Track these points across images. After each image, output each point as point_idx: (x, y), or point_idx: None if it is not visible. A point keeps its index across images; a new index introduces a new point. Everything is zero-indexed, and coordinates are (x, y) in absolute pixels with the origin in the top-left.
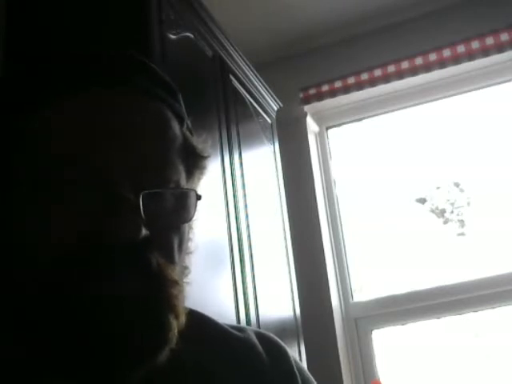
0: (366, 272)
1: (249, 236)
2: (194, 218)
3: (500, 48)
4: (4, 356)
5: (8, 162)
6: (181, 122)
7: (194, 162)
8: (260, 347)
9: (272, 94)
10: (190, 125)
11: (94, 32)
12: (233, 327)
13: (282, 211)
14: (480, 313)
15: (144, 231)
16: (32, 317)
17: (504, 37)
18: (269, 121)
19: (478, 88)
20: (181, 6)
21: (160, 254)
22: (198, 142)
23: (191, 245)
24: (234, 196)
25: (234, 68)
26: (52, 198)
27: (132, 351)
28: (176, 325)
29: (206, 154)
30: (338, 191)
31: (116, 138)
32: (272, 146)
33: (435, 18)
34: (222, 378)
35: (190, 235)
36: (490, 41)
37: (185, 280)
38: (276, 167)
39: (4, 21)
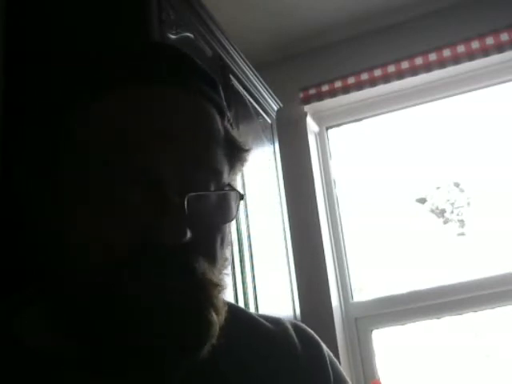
0: (366, 272)
1: (249, 236)
2: (235, 218)
3: (500, 48)
4: (54, 350)
5: (57, 160)
6: (222, 115)
7: (236, 155)
8: (295, 338)
9: (272, 94)
10: (230, 118)
11: (94, 32)
12: (267, 318)
13: (282, 211)
14: (480, 313)
15: (189, 233)
16: (84, 315)
17: (504, 37)
18: (269, 121)
19: (478, 88)
20: (181, 6)
21: (203, 253)
22: (238, 134)
23: (230, 237)
24: None
25: (234, 68)
26: (102, 198)
27: (175, 348)
28: (218, 321)
29: (247, 147)
30: (337, 191)
31: (164, 136)
32: (272, 146)
33: (435, 18)
34: (257, 369)
35: (230, 229)
36: (490, 41)
37: (224, 271)
38: (276, 167)
39: (4, 21)
